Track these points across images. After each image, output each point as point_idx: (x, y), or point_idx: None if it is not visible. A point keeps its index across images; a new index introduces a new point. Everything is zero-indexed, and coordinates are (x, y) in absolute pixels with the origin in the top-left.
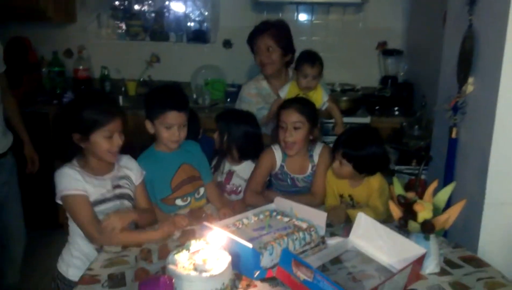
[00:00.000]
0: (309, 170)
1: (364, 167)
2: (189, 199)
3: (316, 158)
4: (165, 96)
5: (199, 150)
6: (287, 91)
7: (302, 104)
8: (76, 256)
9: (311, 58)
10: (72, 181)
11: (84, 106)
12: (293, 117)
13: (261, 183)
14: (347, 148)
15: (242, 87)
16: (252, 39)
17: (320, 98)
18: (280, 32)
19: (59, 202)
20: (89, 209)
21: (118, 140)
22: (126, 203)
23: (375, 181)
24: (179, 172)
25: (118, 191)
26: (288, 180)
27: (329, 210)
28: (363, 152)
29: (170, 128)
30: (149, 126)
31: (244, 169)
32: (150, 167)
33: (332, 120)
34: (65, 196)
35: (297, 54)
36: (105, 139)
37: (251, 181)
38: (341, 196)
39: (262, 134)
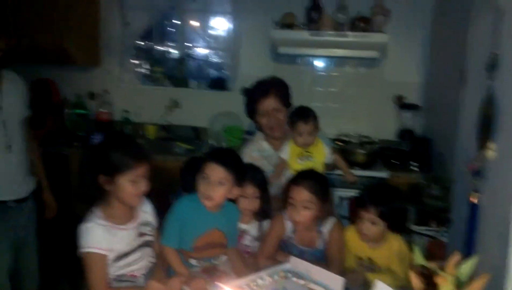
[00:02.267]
0: (318, 245)
1: (398, 224)
2: (203, 263)
3: (325, 233)
4: (214, 150)
5: (237, 216)
6: (288, 151)
7: (314, 181)
8: None
9: (303, 114)
10: (95, 238)
11: (113, 147)
12: (303, 196)
13: (273, 248)
14: (383, 206)
15: (243, 151)
16: (254, 103)
17: (322, 151)
18: (283, 91)
19: (81, 256)
20: (104, 270)
21: (143, 185)
22: (148, 250)
23: (396, 242)
24: (207, 236)
25: (142, 239)
26: (296, 252)
27: (348, 273)
28: (397, 209)
29: (206, 180)
30: (198, 180)
31: (255, 228)
32: (186, 212)
33: (339, 172)
34: (86, 252)
35: (302, 102)
36: (130, 183)
37: (263, 246)
38: (360, 258)
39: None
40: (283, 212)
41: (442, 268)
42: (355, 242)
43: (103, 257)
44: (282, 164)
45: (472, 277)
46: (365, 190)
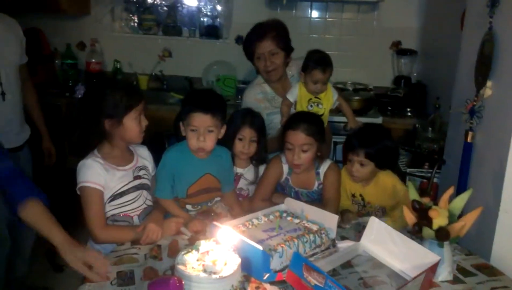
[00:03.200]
0: (315, 187)
1: (385, 162)
2: (199, 207)
3: (322, 175)
4: (194, 96)
5: (229, 159)
6: (297, 94)
7: (310, 124)
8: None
9: (322, 62)
10: (93, 174)
11: (114, 90)
12: (300, 140)
13: (269, 190)
14: (369, 148)
15: (245, 93)
16: (251, 46)
17: (330, 98)
18: (281, 34)
19: (78, 192)
20: (100, 206)
21: (145, 121)
22: (145, 193)
23: (387, 178)
24: (200, 182)
25: (138, 181)
26: (292, 194)
27: (340, 212)
28: (383, 148)
29: (196, 131)
30: (182, 128)
31: (251, 172)
32: (175, 162)
33: (342, 119)
34: (83, 187)
35: (298, 49)
36: (135, 121)
37: (259, 189)
38: (353, 195)
39: (269, 139)
40: (281, 154)
41: (435, 204)
42: (348, 182)
43: (99, 192)
44: (288, 105)
45: (464, 212)
46: (353, 134)
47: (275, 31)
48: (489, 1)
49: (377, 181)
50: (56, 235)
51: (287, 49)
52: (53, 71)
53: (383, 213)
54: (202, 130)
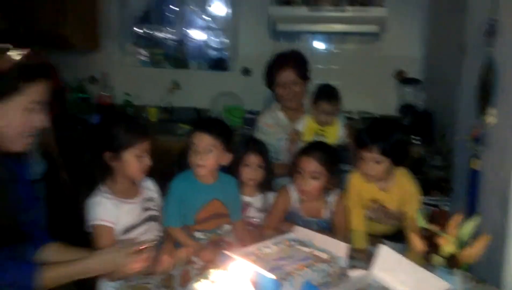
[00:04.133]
0: (324, 215)
1: (401, 157)
2: (209, 235)
3: (331, 204)
4: (198, 120)
5: (235, 187)
6: (304, 125)
7: (323, 153)
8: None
9: (329, 94)
10: (103, 211)
11: (117, 124)
12: (312, 167)
13: (279, 219)
14: (383, 143)
15: (258, 118)
16: (272, 73)
17: (336, 134)
18: (301, 64)
19: (89, 230)
20: (112, 242)
21: (147, 160)
22: (154, 224)
23: (405, 180)
24: (208, 207)
25: (147, 214)
26: (302, 223)
27: (355, 252)
28: (398, 142)
29: (196, 151)
30: (190, 152)
31: (260, 200)
32: (182, 190)
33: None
34: (94, 225)
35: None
36: (135, 158)
37: (268, 217)
38: (371, 201)
39: (276, 164)
40: (289, 183)
41: (444, 231)
42: (362, 186)
43: (110, 229)
44: (296, 134)
45: (472, 239)
46: (363, 130)
47: (297, 62)
48: (486, 30)
49: (398, 184)
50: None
51: (306, 78)
52: (64, 105)
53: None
54: (201, 149)
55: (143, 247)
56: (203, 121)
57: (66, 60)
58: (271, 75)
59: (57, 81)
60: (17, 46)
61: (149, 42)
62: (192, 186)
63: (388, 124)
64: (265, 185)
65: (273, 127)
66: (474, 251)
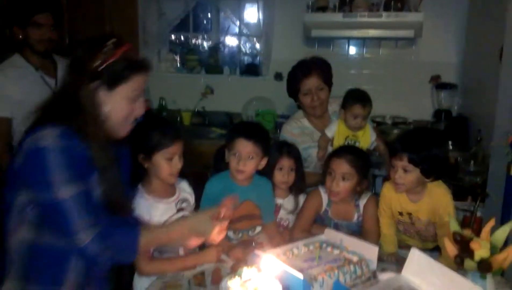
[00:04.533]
0: (354, 219)
1: (432, 169)
2: (241, 234)
3: (361, 207)
4: (239, 125)
5: (269, 189)
6: (335, 130)
7: (355, 156)
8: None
9: (362, 98)
10: (137, 210)
11: (150, 127)
12: (343, 168)
13: (309, 221)
14: (413, 152)
15: (283, 128)
16: (298, 82)
17: (368, 138)
18: (325, 70)
19: None
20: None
21: (177, 163)
22: None
23: (438, 191)
24: (241, 208)
25: (181, 213)
26: (331, 225)
27: (384, 255)
28: (429, 152)
29: (237, 156)
30: (226, 154)
31: (290, 202)
32: (217, 190)
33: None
34: None
35: (336, 84)
36: (166, 161)
37: (299, 220)
38: (400, 213)
39: (305, 173)
40: (320, 186)
41: (476, 235)
42: (393, 197)
43: None
44: (326, 140)
45: (506, 243)
46: (397, 137)
47: (321, 67)
48: None
49: (430, 195)
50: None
51: (330, 84)
52: None
53: (433, 228)
54: (243, 156)
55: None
56: (246, 127)
57: None
58: (295, 84)
59: None
60: (63, 55)
61: (184, 49)
62: (227, 187)
63: (422, 134)
64: (296, 188)
65: (299, 136)
66: (507, 256)
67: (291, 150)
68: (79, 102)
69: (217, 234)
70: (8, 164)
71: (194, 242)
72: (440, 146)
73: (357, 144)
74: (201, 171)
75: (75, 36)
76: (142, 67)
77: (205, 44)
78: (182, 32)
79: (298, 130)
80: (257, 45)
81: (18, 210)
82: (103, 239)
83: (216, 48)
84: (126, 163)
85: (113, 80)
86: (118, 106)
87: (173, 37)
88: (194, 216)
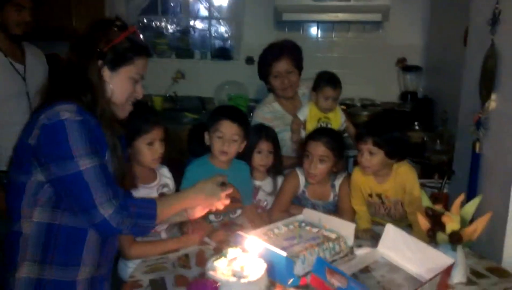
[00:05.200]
0: (331, 198)
1: (395, 151)
2: (222, 217)
3: (337, 187)
4: (223, 107)
5: (247, 172)
6: (307, 113)
7: (331, 138)
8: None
9: (333, 80)
10: None
11: (130, 113)
12: (319, 150)
13: (287, 202)
14: (377, 135)
15: (255, 113)
16: (268, 65)
17: (339, 119)
18: (296, 54)
19: None
20: None
21: (158, 148)
22: None
23: (403, 171)
24: None
25: None
26: (309, 206)
27: (359, 231)
28: (392, 135)
29: (222, 137)
30: (206, 137)
31: (269, 184)
32: (196, 175)
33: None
34: None
35: (306, 67)
36: (147, 146)
37: (277, 200)
38: (370, 195)
39: (283, 155)
40: (297, 168)
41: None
42: (363, 180)
43: None
44: (299, 124)
45: (474, 218)
46: (363, 123)
47: (291, 51)
48: (490, 19)
49: (395, 175)
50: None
51: (301, 68)
52: None
53: (402, 206)
54: (228, 137)
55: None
56: (230, 110)
57: None
58: (265, 67)
59: None
60: (32, 40)
61: (153, 33)
62: (207, 171)
63: (385, 118)
64: (274, 170)
65: (272, 121)
66: (476, 229)
67: (269, 134)
68: (88, 79)
69: (223, 200)
70: (15, 146)
71: (201, 210)
72: (402, 128)
73: (329, 126)
74: (176, 156)
75: (40, 20)
76: (144, 51)
77: (175, 28)
78: (150, 15)
79: (270, 115)
80: (228, 30)
81: (32, 192)
82: (124, 209)
83: (186, 31)
84: (124, 145)
85: (117, 61)
86: (121, 87)
87: (142, 20)
88: (203, 183)
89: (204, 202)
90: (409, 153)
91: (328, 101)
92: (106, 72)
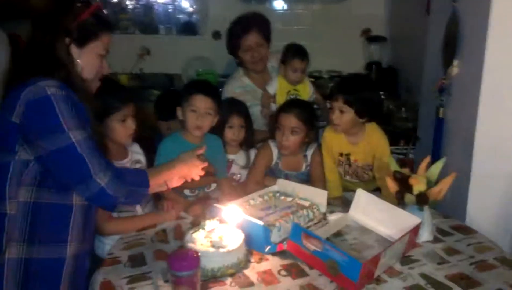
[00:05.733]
0: (303, 168)
1: (365, 110)
2: (197, 191)
3: (309, 158)
4: (196, 82)
5: (220, 146)
6: (277, 86)
7: (302, 109)
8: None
9: (301, 52)
10: None
11: (100, 91)
12: (291, 122)
13: (261, 174)
14: (347, 94)
15: (225, 88)
16: (238, 38)
17: (308, 90)
18: (265, 26)
19: None
20: None
21: (131, 124)
22: None
23: (374, 135)
24: None
25: None
26: (282, 177)
27: (330, 199)
28: (363, 94)
29: (196, 111)
30: (179, 112)
31: (242, 157)
32: (171, 150)
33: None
34: None
35: (275, 44)
36: (119, 123)
37: (251, 173)
38: (340, 154)
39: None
40: (270, 141)
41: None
42: (333, 139)
43: None
44: (268, 98)
45: (439, 179)
46: (335, 84)
47: (260, 24)
48: None
49: (368, 139)
50: None
51: (270, 40)
52: None
53: (370, 170)
54: (202, 111)
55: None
56: (203, 84)
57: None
58: (234, 40)
59: None
60: None
61: (116, 8)
62: (180, 146)
63: (357, 79)
64: (247, 143)
65: (242, 95)
66: (441, 189)
67: (240, 108)
68: (57, 56)
69: (200, 171)
70: None
71: (178, 181)
72: (372, 90)
73: (298, 97)
74: (145, 134)
75: None
76: (109, 26)
77: (137, 2)
78: None
79: (240, 89)
80: (193, 3)
81: (16, 172)
82: (119, 177)
83: (150, 6)
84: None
85: (84, 37)
86: (89, 62)
87: None
88: (185, 154)
89: (186, 172)
90: (378, 113)
91: (296, 73)
92: (74, 49)
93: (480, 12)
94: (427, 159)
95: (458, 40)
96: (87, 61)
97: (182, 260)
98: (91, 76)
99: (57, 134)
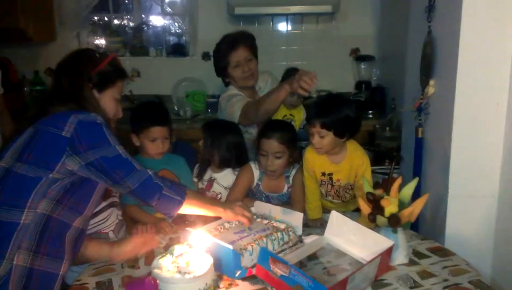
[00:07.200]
0: (284, 190)
1: (344, 129)
2: None
3: (291, 179)
4: (149, 112)
5: (184, 163)
6: None
7: (282, 132)
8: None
9: None
10: None
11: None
12: (274, 148)
13: (241, 195)
14: (323, 117)
15: (222, 96)
16: (224, 56)
17: (301, 116)
18: (252, 42)
19: None
20: None
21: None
22: (116, 211)
23: (358, 155)
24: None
25: (110, 200)
26: (263, 198)
27: (309, 220)
28: (338, 115)
29: (155, 140)
30: (135, 139)
31: (225, 177)
32: None
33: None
34: None
35: (262, 61)
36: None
37: (231, 194)
38: (323, 174)
39: (246, 140)
40: (251, 162)
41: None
42: (316, 160)
43: None
44: (285, 90)
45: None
46: (311, 106)
47: (246, 39)
48: (426, 7)
49: (349, 158)
50: None
51: (257, 56)
52: (22, 98)
53: (351, 189)
54: (161, 139)
55: None
56: (155, 113)
57: (22, 53)
58: (222, 58)
59: (14, 74)
60: None
61: (106, 31)
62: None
63: (331, 100)
64: (238, 162)
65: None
66: (413, 210)
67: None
68: (85, 97)
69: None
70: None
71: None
72: (346, 106)
73: (292, 123)
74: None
75: None
76: (124, 73)
77: (128, 25)
78: (102, 12)
79: (241, 96)
80: (182, 25)
81: (46, 185)
82: (156, 179)
83: (140, 28)
84: None
85: (103, 83)
86: (107, 105)
87: (93, 18)
88: (232, 204)
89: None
90: (356, 129)
91: (294, 97)
92: (95, 94)
93: (452, 33)
94: (399, 180)
95: (433, 60)
96: (105, 104)
97: (138, 287)
98: (110, 118)
99: (105, 146)
